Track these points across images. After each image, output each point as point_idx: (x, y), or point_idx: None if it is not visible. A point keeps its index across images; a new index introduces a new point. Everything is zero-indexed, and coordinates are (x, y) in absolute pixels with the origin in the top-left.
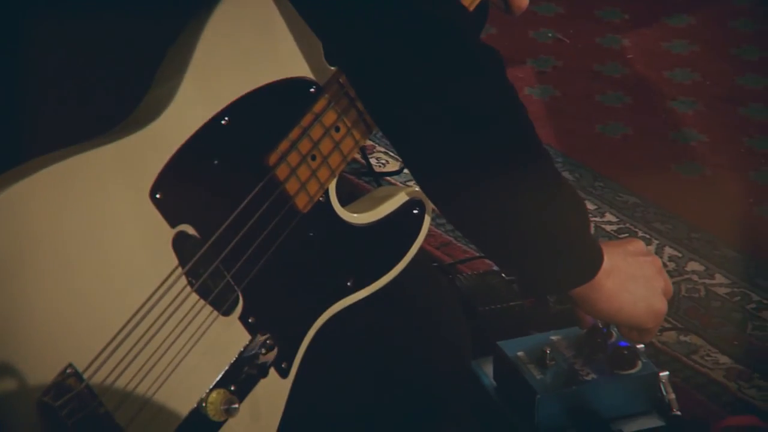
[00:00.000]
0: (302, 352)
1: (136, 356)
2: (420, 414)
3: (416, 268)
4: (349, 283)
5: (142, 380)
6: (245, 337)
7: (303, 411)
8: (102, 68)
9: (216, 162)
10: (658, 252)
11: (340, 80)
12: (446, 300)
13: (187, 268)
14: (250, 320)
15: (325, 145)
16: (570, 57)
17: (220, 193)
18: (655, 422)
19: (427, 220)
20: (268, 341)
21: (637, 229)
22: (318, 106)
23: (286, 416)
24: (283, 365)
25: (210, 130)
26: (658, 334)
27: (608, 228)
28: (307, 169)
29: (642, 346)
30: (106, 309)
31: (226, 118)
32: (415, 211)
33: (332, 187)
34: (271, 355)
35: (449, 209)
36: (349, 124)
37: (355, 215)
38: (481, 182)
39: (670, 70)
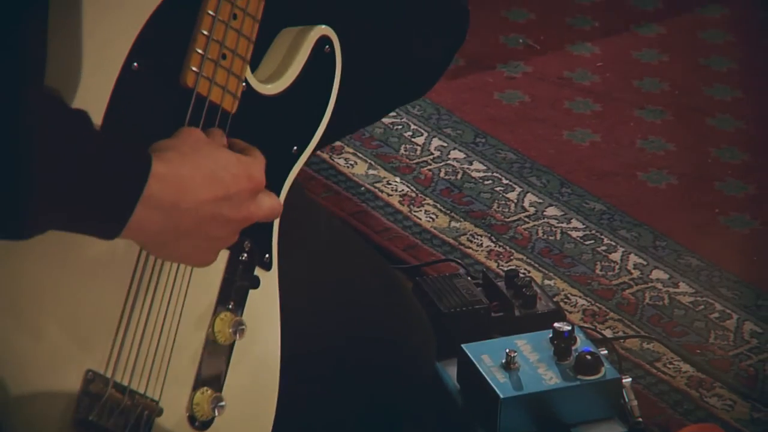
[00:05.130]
0: (276, 237)
1: (144, 331)
2: (383, 415)
3: (378, 270)
4: (294, 149)
5: (156, 347)
6: (224, 252)
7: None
8: None
9: (143, 108)
10: (624, 259)
11: None
12: (410, 302)
13: None
14: None
15: (231, 39)
16: (540, 63)
17: (158, 136)
18: (617, 428)
19: (339, 52)
20: (245, 244)
21: (603, 236)
22: (211, 5)
23: None
24: (265, 258)
25: (125, 81)
26: (622, 341)
27: (574, 234)
28: (223, 71)
29: (605, 351)
30: (100, 302)
31: (135, 64)
32: (326, 49)
33: (247, 71)
34: (252, 256)
35: None
36: (243, 5)
37: (275, 84)
38: None
39: (639, 79)
